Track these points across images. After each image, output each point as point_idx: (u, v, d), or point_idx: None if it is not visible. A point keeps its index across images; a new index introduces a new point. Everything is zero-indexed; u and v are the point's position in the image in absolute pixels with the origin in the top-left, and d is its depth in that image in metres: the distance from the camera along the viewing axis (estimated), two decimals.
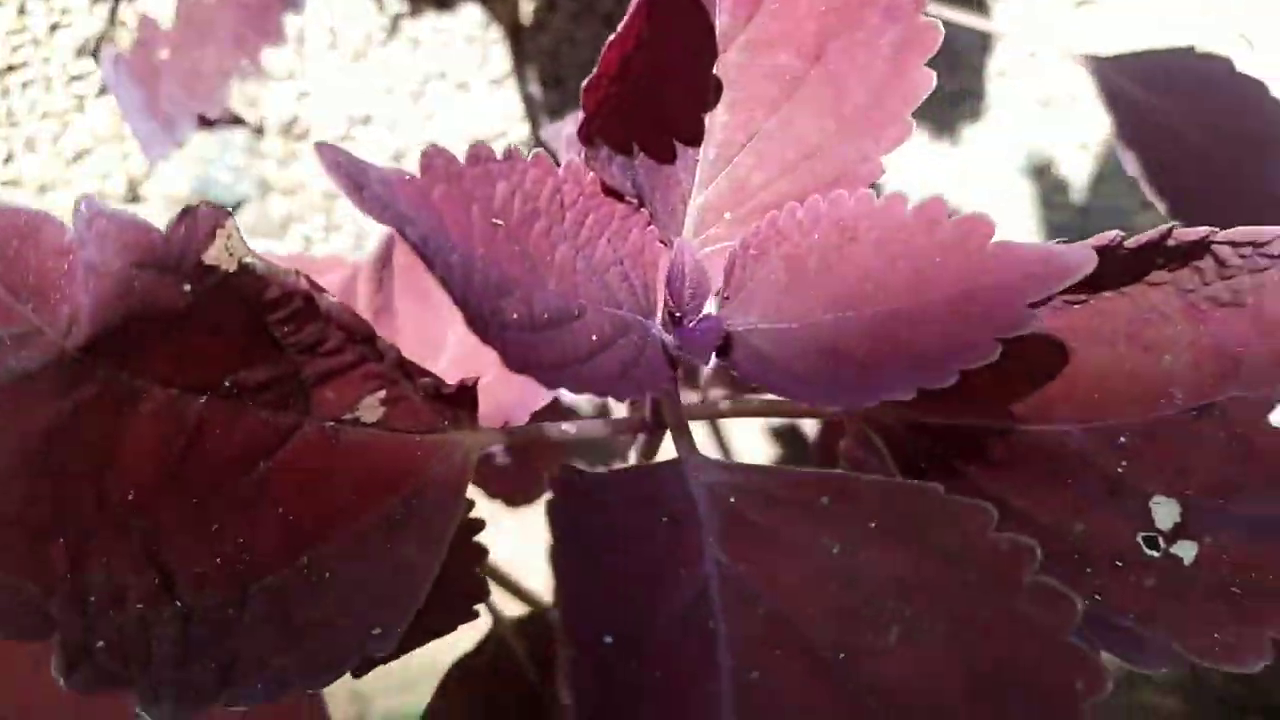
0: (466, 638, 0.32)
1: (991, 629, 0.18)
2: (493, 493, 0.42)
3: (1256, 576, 0.23)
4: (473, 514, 0.25)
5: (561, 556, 0.17)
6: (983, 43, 0.75)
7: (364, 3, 0.66)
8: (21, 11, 0.59)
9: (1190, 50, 0.43)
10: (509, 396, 0.30)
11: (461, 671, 0.32)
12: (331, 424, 0.24)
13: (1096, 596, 0.23)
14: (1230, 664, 0.22)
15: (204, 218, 0.19)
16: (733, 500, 0.21)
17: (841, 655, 0.19)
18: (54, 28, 0.60)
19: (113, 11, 0.56)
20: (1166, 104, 0.40)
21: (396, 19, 0.67)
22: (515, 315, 0.20)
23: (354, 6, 0.66)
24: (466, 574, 0.26)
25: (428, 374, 0.24)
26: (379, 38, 0.68)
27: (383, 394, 0.24)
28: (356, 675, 0.23)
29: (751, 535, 0.20)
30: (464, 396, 0.25)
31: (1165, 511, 0.24)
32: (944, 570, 0.19)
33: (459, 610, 0.26)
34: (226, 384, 0.22)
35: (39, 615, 0.19)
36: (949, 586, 0.19)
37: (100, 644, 0.20)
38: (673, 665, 0.18)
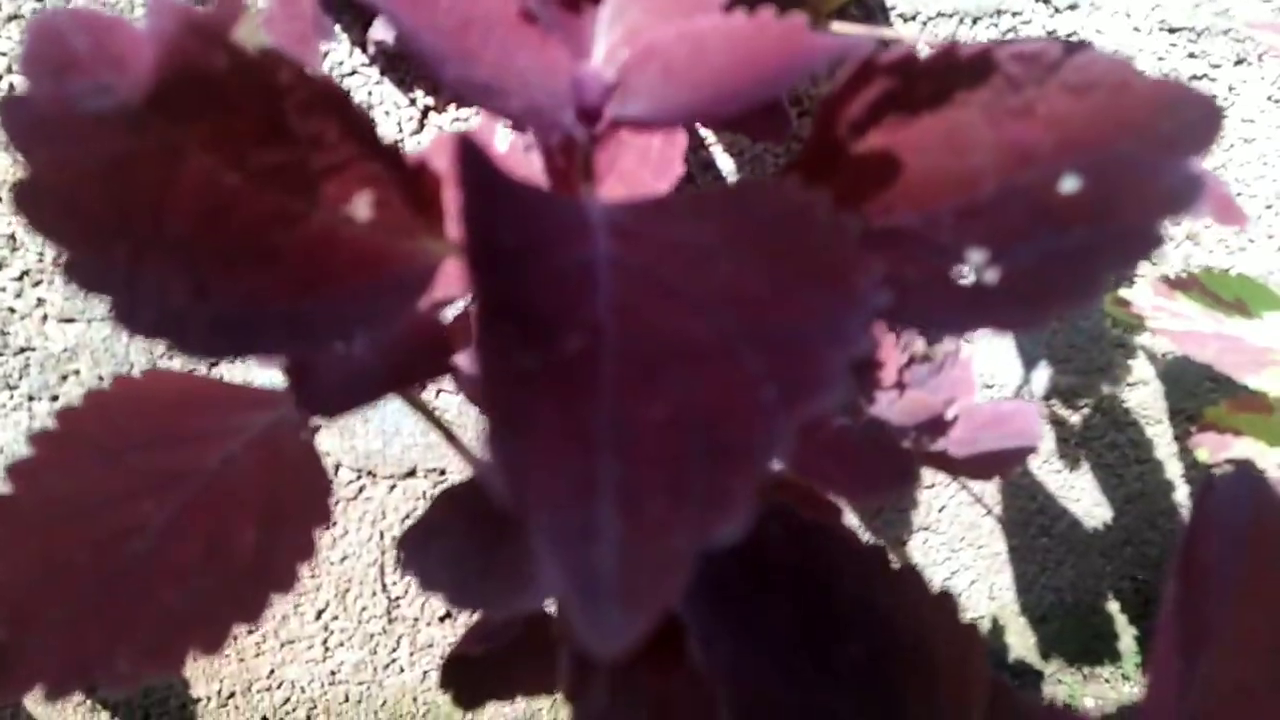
0: None
1: (794, 252, 0.24)
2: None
3: (1042, 281, 0.28)
4: None
5: (465, 188, 0.23)
6: None
7: (399, 97, 0.76)
8: None
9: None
10: None
11: (449, 494, 0.37)
12: (332, 217, 0.30)
13: (921, 307, 0.28)
14: (1021, 326, 0.27)
15: (231, 2, 0.26)
16: (617, 215, 0.27)
17: (686, 280, 0.24)
18: None
19: None
20: None
21: (426, 110, 0.77)
22: (454, 75, 0.26)
23: (389, 100, 0.76)
24: (432, 346, 0.32)
25: (410, 172, 0.30)
26: (410, 127, 0.78)
27: (371, 195, 0.31)
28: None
29: (629, 232, 0.26)
30: (434, 200, 0.31)
31: (978, 256, 0.29)
32: (763, 224, 0.25)
33: (428, 367, 0.31)
34: (252, 163, 0.28)
35: (101, 284, 0.25)
36: (766, 233, 0.24)
37: (144, 314, 0.26)
38: (559, 277, 0.24)
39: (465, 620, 0.96)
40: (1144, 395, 1.01)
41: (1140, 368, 0.99)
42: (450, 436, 0.42)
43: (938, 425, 0.50)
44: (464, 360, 0.51)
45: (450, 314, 0.34)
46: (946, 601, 0.34)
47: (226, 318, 0.27)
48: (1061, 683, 1.13)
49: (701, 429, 0.20)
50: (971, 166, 0.31)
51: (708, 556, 0.33)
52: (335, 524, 0.92)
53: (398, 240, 0.31)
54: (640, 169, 0.41)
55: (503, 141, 0.46)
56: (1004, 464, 0.54)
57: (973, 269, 0.29)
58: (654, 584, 0.17)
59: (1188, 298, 0.68)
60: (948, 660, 0.34)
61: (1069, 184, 0.30)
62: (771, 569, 0.32)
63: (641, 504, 0.18)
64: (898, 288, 0.30)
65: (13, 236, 0.76)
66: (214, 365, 0.79)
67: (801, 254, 0.24)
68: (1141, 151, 0.29)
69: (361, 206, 0.30)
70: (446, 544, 0.35)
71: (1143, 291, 0.69)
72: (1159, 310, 0.68)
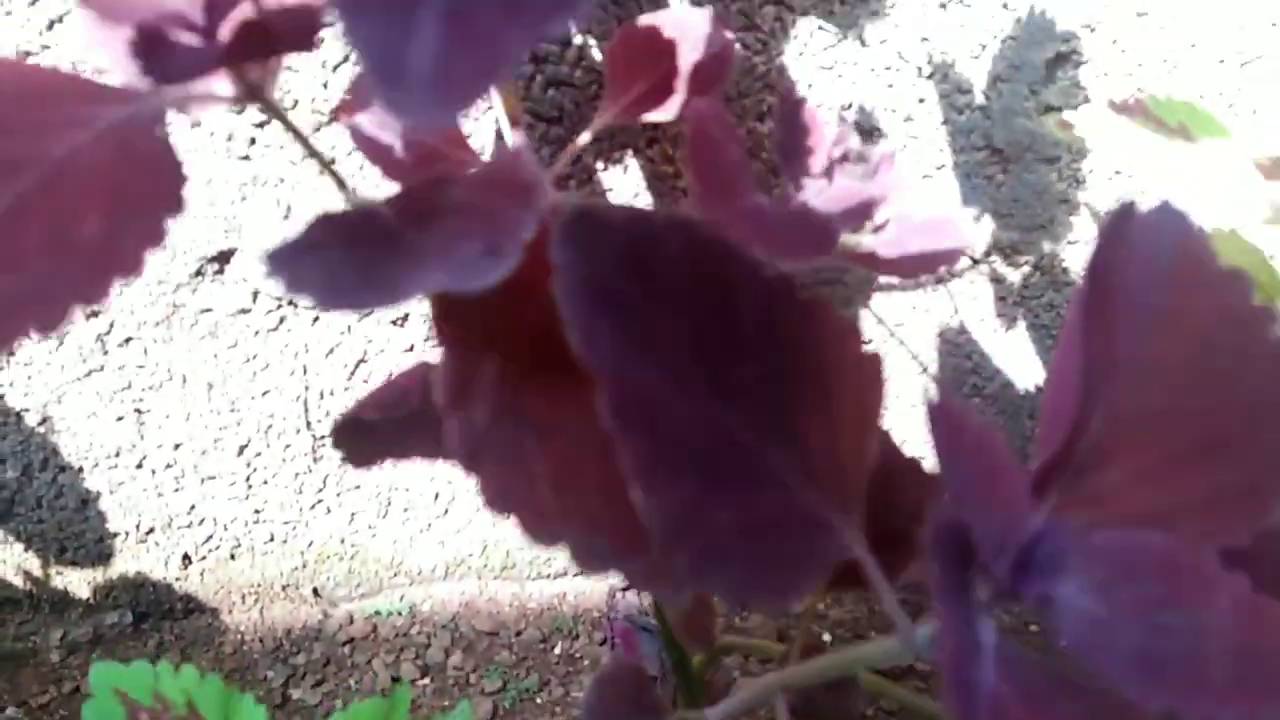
0: None
1: None
2: None
3: None
4: None
5: None
6: None
7: None
8: None
9: None
10: None
11: (328, 218, 0.34)
12: None
13: None
14: None
15: None
16: None
17: None
18: None
19: None
20: None
21: None
22: None
23: None
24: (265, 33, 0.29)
25: None
26: None
27: None
28: None
29: None
30: None
31: None
32: None
33: (259, 47, 0.28)
34: None
35: None
36: None
37: None
38: None
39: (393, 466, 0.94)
40: (1084, 254, 1.00)
41: (1082, 225, 0.98)
42: (332, 173, 0.40)
43: (866, 210, 0.48)
44: (365, 120, 0.47)
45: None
46: (851, 335, 0.33)
47: None
48: None
49: None
50: None
51: (595, 262, 0.31)
52: (256, 356, 0.88)
53: None
54: None
55: None
56: (932, 263, 0.52)
57: None
58: (468, 77, 0.14)
59: (1133, 123, 0.66)
60: (849, 391, 0.32)
61: None
62: (666, 280, 0.30)
63: (467, 16, 0.15)
64: None
65: None
66: None
67: None
68: None
69: None
70: (321, 257, 0.32)
71: (1087, 115, 0.67)
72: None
